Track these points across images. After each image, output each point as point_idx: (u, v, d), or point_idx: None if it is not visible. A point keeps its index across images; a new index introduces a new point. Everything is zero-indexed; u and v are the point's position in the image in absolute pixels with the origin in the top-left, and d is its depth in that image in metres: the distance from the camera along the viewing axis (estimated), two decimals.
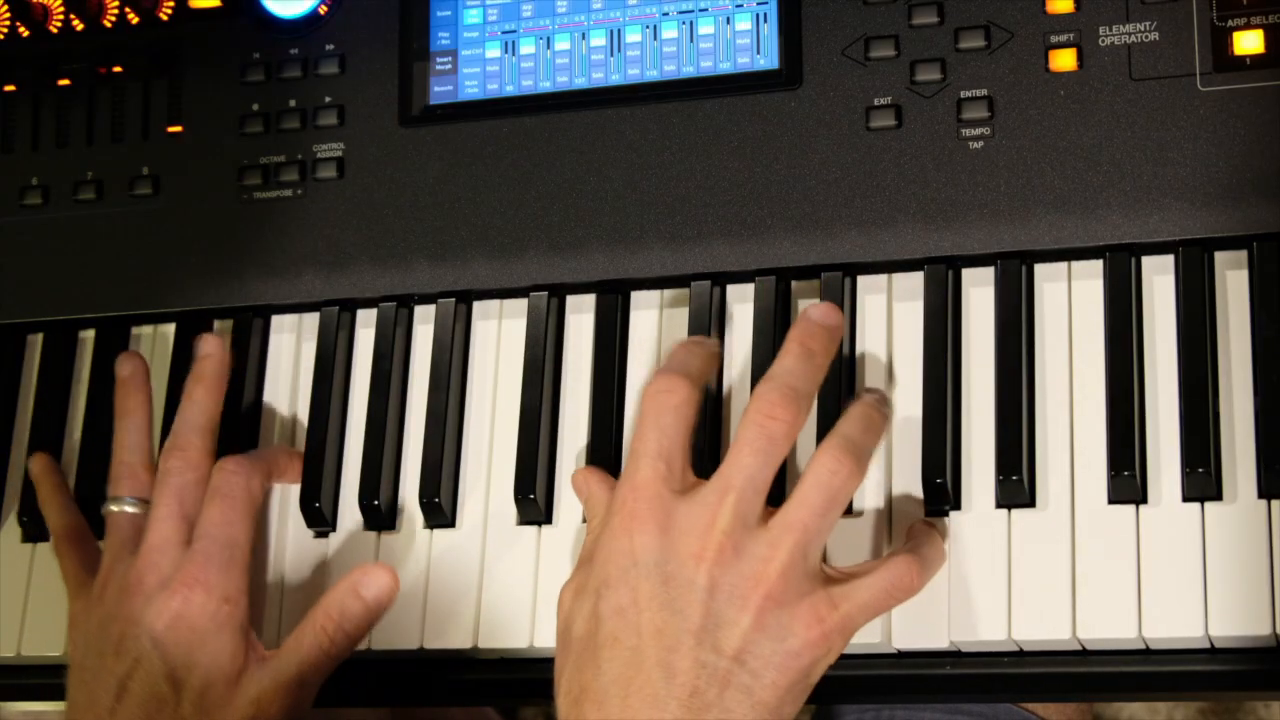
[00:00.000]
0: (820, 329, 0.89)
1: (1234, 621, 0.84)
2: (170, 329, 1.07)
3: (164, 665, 0.91)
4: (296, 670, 0.92)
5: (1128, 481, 0.87)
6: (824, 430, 0.89)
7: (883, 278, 0.95)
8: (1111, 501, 0.88)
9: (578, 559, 0.88)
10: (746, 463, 0.84)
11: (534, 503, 0.96)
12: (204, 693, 0.91)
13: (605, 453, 0.95)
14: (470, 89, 1.03)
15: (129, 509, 0.98)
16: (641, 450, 0.86)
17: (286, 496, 1.02)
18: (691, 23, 0.99)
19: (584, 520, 0.96)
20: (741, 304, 0.97)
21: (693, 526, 0.83)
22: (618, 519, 0.84)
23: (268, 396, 1.04)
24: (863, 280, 0.95)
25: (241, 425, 1.03)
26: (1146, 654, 0.87)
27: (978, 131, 0.93)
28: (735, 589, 0.81)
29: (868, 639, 0.88)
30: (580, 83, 1.01)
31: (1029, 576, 0.87)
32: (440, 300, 1.01)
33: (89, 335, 1.09)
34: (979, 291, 0.93)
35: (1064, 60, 0.93)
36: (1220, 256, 0.90)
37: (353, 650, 0.94)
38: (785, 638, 0.81)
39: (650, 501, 0.84)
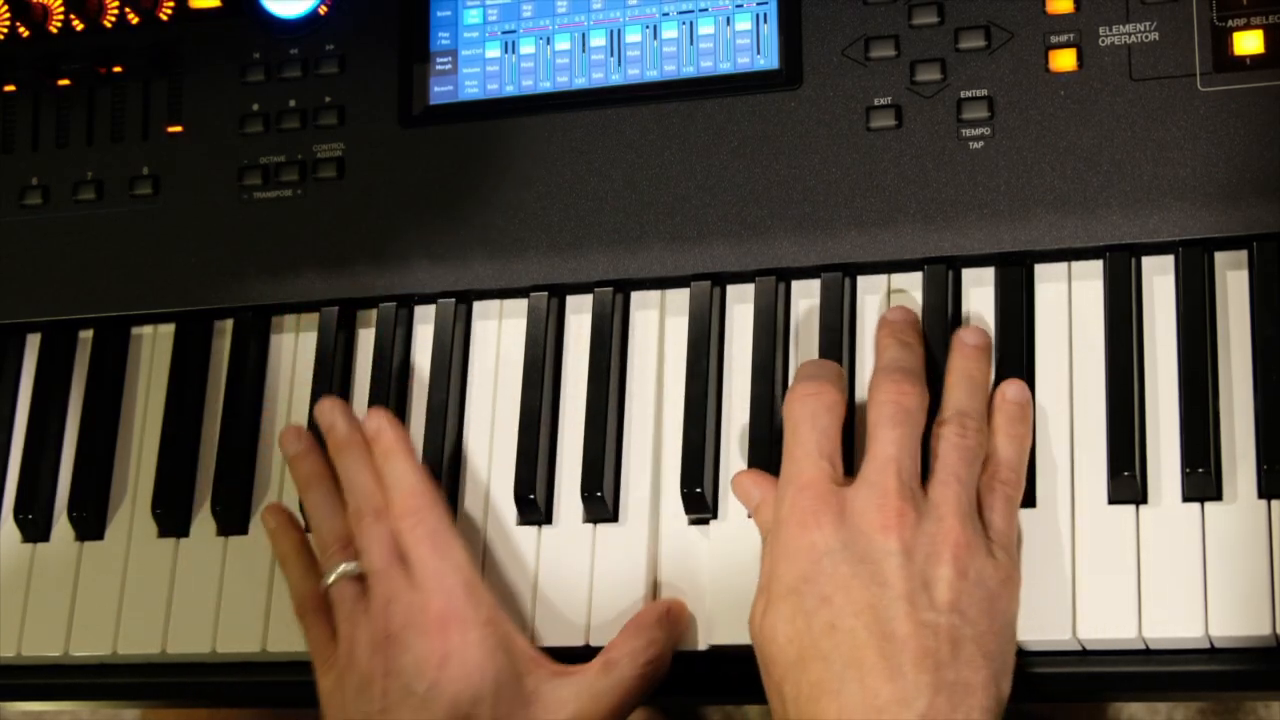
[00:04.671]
0: (905, 324, 0.91)
1: (1234, 621, 0.84)
2: (170, 329, 1.07)
3: (449, 706, 0.88)
4: (612, 698, 0.90)
5: (1128, 481, 0.87)
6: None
7: (883, 278, 0.95)
8: (1111, 501, 0.88)
9: (758, 585, 0.86)
10: (895, 434, 0.85)
11: (534, 503, 0.96)
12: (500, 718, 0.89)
13: (600, 452, 0.95)
14: (470, 89, 1.03)
15: (351, 573, 0.94)
16: (802, 452, 0.86)
17: (290, 496, 1.02)
18: (691, 23, 1.00)
19: (585, 520, 0.96)
20: (741, 304, 0.97)
21: (868, 505, 0.83)
22: (791, 521, 0.84)
23: (268, 396, 1.04)
24: (863, 280, 0.95)
25: (241, 425, 1.03)
26: (1146, 654, 0.87)
27: (978, 131, 0.93)
28: (928, 546, 0.82)
29: None
30: (580, 83, 1.01)
31: (1029, 576, 0.87)
32: (440, 300, 1.01)
33: (88, 335, 1.09)
34: (979, 291, 0.93)
35: (1064, 60, 0.93)
36: (1220, 256, 0.90)
37: (662, 677, 0.92)
38: (984, 581, 0.82)
39: (821, 496, 0.84)
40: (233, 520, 1.01)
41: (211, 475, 1.03)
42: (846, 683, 0.80)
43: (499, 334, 1.01)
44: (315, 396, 1.02)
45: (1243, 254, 0.90)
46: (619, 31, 1.01)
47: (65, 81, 1.10)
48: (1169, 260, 0.91)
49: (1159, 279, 0.91)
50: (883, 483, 0.84)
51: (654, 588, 0.94)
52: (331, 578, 0.94)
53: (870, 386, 0.88)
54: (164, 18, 1.09)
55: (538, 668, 0.91)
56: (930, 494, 0.84)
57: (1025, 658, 0.88)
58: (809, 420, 0.87)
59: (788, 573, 0.83)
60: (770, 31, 0.98)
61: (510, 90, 1.02)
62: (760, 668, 0.85)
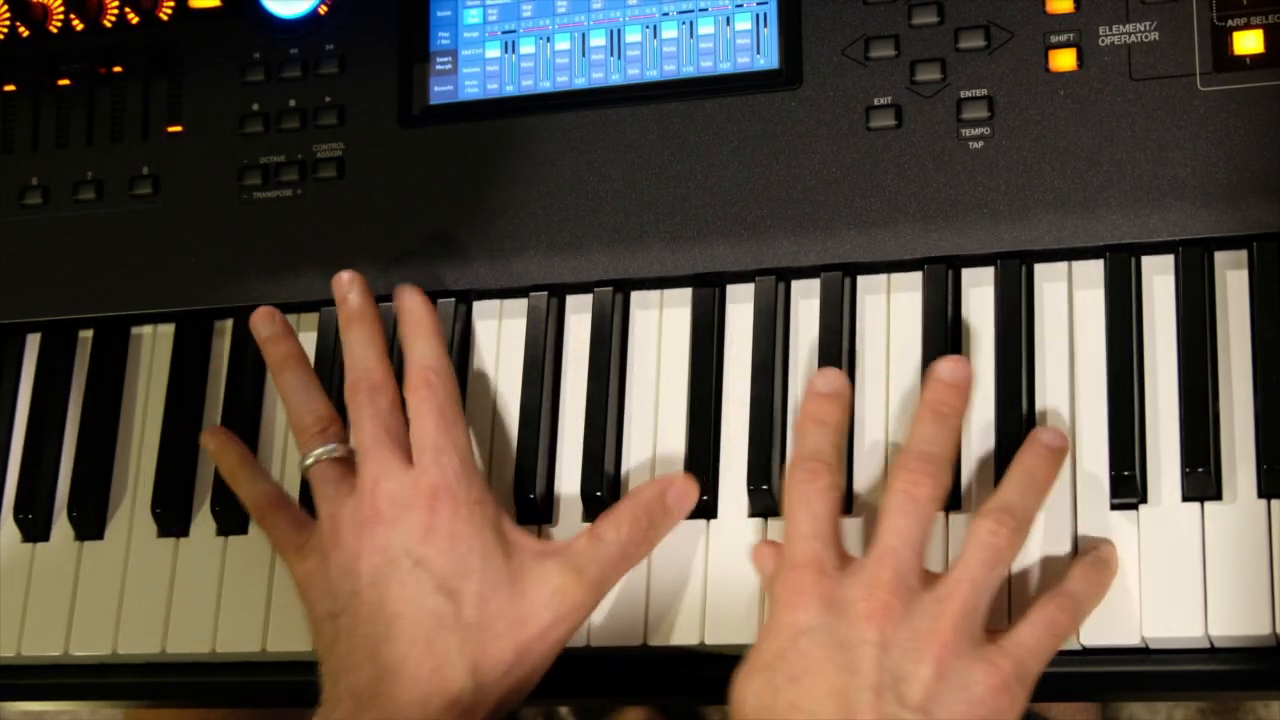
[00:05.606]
0: (949, 390, 0.88)
1: (1234, 621, 0.84)
2: (170, 329, 1.07)
3: (432, 579, 0.88)
4: (599, 566, 0.90)
5: (1128, 481, 0.87)
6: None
7: (883, 278, 0.95)
8: (1111, 501, 0.88)
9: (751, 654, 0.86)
10: (899, 524, 0.84)
11: (534, 502, 0.96)
12: (485, 596, 0.89)
13: (600, 451, 0.95)
14: (470, 89, 1.03)
15: (333, 455, 0.95)
16: (795, 533, 0.86)
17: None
18: (691, 23, 1.00)
19: (585, 520, 0.96)
20: (741, 304, 0.97)
21: (857, 593, 0.82)
22: (780, 599, 0.84)
23: (267, 396, 1.04)
24: (863, 280, 0.95)
25: (241, 425, 1.03)
26: (1146, 654, 0.87)
27: (978, 131, 0.93)
28: (910, 643, 0.81)
29: None
30: (580, 83, 1.01)
31: (1029, 576, 0.87)
32: (441, 300, 1.01)
33: (88, 335, 1.08)
34: (979, 291, 0.93)
35: (1064, 60, 0.93)
36: (1220, 256, 0.90)
37: (647, 555, 0.92)
38: (968, 686, 0.80)
39: (811, 577, 0.84)
40: (232, 520, 1.01)
41: (211, 475, 1.02)
42: None
43: (499, 334, 1.01)
44: None
45: (1243, 254, 0.90)
46: (619, 31, 1.01)
47: (65, 81, 1.10)
48: (1169, 260, 0.91)
49: (1159, 279, 0.91)
50: (876, 573, 0.83)
51: (653, 588, 0.94)
52: (310, 459, 0.95)
53: (893, 466, 0.87)
54: (164, 18, 1.09)
55: (523, 548, 0.91)
56: (936, 587, 0.83)
57: None
58: (804, 504, 0.86)
59: (767, 648, 0.83)
60: (770, 31, 0.98)
61: (510, 90, 1.02)
62: None
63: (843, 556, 0.86)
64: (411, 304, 0.97)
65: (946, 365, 0.89)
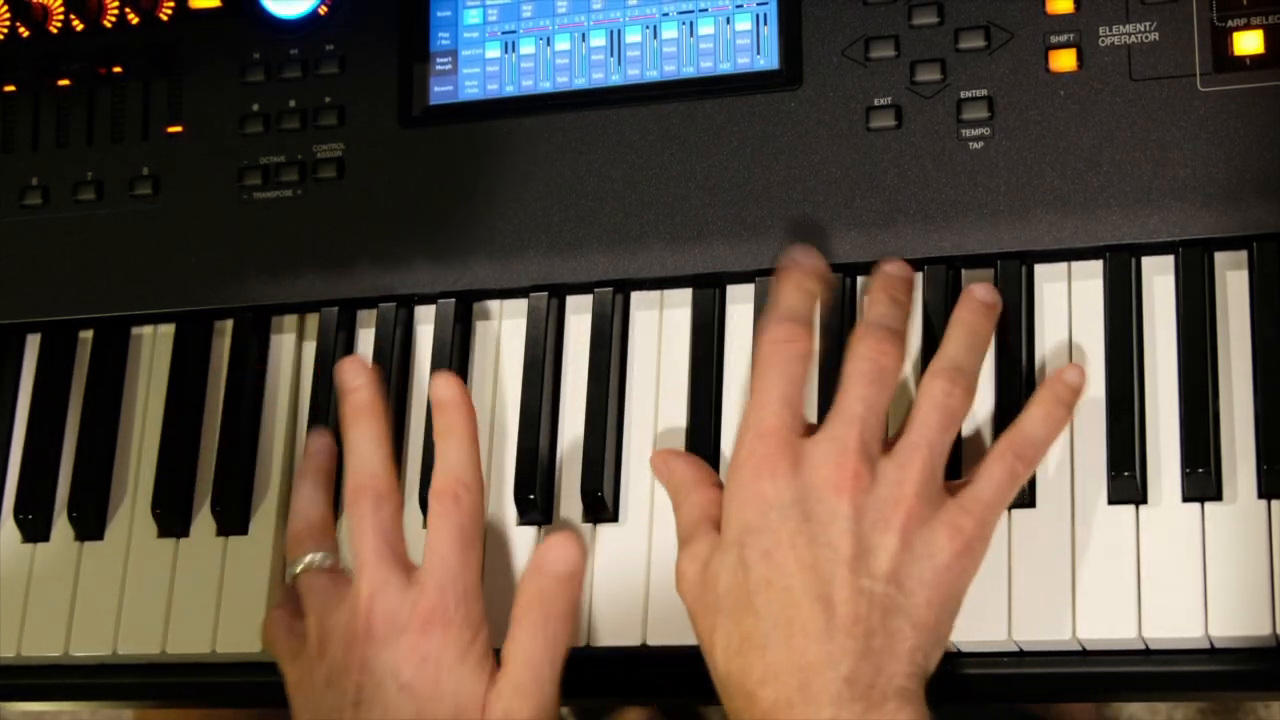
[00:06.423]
0: (899, 280, 0.91)
1: (1234, 621, 0.84)
2: (170, 329, 1.07)
3: (414, 705, 0.87)
4: (527, 669, 0.88)
5: (1128, 481, 0.87)
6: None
7: None
8: (1111, 501, 0.88)
9: (680, 538, 0.87)
10: (864, 393, 0.85)
11: (534, 502, 0.96)
12: None
13: (600, 452, 0.95)
14: (470, 89, 1.03)
15: (322, 564, 0.94)
16: (766, 399, 0.86)
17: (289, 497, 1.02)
18: (691, 23, 1.00)
19: (585, 520, 0.96)
20: (741, 304, 0.97)
21: (825, 460, 0.83)
22: (747, 468, 0.84)
23: (268, 397, 1.04)
24: (863, 280, 0.95)
25: (241, 425, 1.03)
26: (1146, 654, 0.87)
27: (978, 131, 0.93)
28: (878, 513, 0.82)
29: None
30: (580, 83, 1.01)
31: (1029, 576, 0.87)
32: (440, 300, 1.01)
33: (88, 335, 1.08)
34: None
35: (1064, 60, 0.93)
36: (1220, 256, 0.90)
37: (572, 627, 0.90)
38: (933, 554, 0.82)
39: (780, 445, 0.84)
40: (233, 520, 1.01)
41: (211, 475, 1.02)
42: (773, 640, 0.80)
43: (499, 334, 1.01)
44: (316, 397, 1.02)
45: (1243, 254, 0.90)
46: (619, 31, 1.01)
47: (65, 81, 1.10)
48: (1169, 260, 0.91)
49: (1159, 279, 0.91)
50: (844, 439, 0.83)
51: (653, 587, 0.94)
52: (299, 568, 0.94)
53: (852, 337, 0.88)
54: (164, 18, 1.09)
55: (495, 672, 0.90)
56: (895, 453, 0.84)
57: (1025, 658, 0.88)
58: (780, 367, 0.86)
59: (736, 520, 0.84)
60: (770, 31, 0.98)
61: (510, 90, 1.02)
62: (690, 615, 0.85)
63: (806, 424, 0.86)
64: (449, 398, 0.94)
65: (893, 264, 0.91)
